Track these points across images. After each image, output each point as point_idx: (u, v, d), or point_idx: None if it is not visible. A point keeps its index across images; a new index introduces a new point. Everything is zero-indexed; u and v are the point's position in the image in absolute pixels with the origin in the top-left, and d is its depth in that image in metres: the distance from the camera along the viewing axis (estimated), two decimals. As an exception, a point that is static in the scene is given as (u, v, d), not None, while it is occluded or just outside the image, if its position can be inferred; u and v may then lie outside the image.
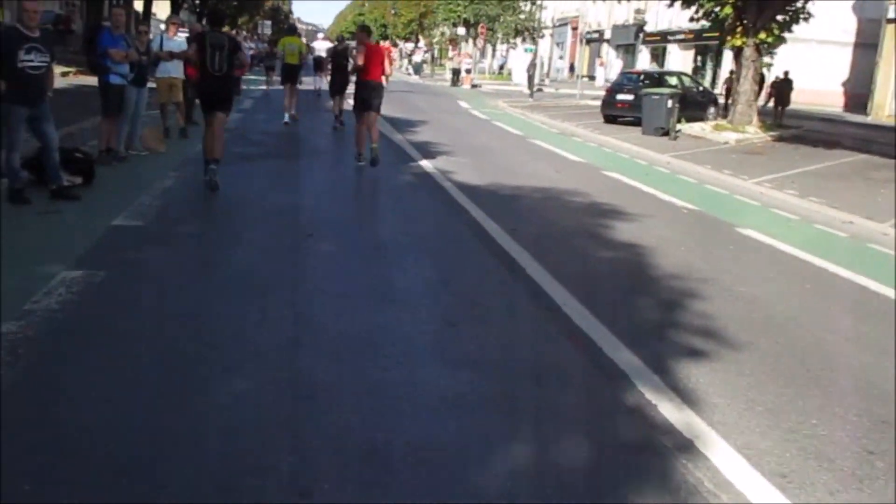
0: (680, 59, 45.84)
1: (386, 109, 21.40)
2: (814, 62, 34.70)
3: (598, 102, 29.87)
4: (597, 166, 13.42)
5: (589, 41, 58.89)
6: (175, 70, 12.22)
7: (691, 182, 12.69)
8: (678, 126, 19.40)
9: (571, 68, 58.56)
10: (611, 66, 53.95)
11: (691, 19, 23.51)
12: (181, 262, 5.81)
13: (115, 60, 9.37)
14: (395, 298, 5.30)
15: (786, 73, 25.68)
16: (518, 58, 48.26)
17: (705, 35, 43.56)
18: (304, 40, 25.82)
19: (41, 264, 5.46)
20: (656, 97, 19.87)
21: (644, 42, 51.05)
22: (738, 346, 5.02)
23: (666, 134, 19.41)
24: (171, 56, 12.02)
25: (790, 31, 22.06)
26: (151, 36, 12.38)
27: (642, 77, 23.72)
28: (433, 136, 15.75)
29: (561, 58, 61.34)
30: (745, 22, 21.30)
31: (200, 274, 5.55)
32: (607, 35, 55.62)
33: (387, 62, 11.03)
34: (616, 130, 20.25)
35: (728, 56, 40.24)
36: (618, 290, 6.05)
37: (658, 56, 50.17)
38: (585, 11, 58.15)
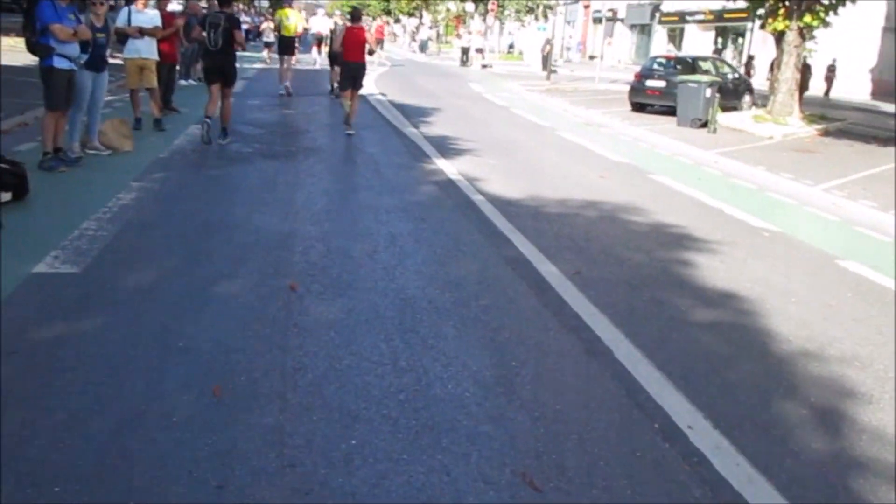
0: (698, 41, 43.73)
1: (394, 94, 19.68)
2: (840, 47, 32.72)
3: (617, 86, 28.13)
4: (641, 168, 11.54)
5: (601, 20, 56.68)
6: (146, 49, 10.31)
7: (752, 189, 10.83)
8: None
9: (580, 49, 56.40)
10: (621, 46, 51.80)
11: (729, -1, 21.54)
12: (112, 350, 3.90)
13: (60, 39, 7.43)
14: (434, 422, 3.43)
15: (804, 59, 24.14)
16: (530, 37, 46.15)
17: (727, 16, 41.65)
18: (303, 14, 25.78)
19: None
20: (693, 86, 17.92)
21: (660, 22, 48.91)
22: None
23: (704, 126, 17.53)
24: (142, 32, 10.11)
25: (836, 13, 20.10)
26: (113, 6, 10.48)
27: (674, 63, 21.72)
28: (450, 128, 13.82)
29: (570, 37, 59.04)
30: (787, 4, 19.37)
31: (138, 374, 3.66)
32: (621, 14, 53.34)
33: (371, 41, 12.16)
34: (647, 121, 18.38)
35: (750, 39, 38.31)
36: (746, 389, 4.17)
37: (675, 37, 48.06)
38: (598, -11, 55.87)
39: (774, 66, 21.09)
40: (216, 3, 17.45)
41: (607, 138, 15.01)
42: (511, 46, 57.50)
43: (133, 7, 10.37)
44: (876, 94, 33.78)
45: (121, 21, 10.23)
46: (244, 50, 10.48)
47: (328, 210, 7.09)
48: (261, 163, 9.14)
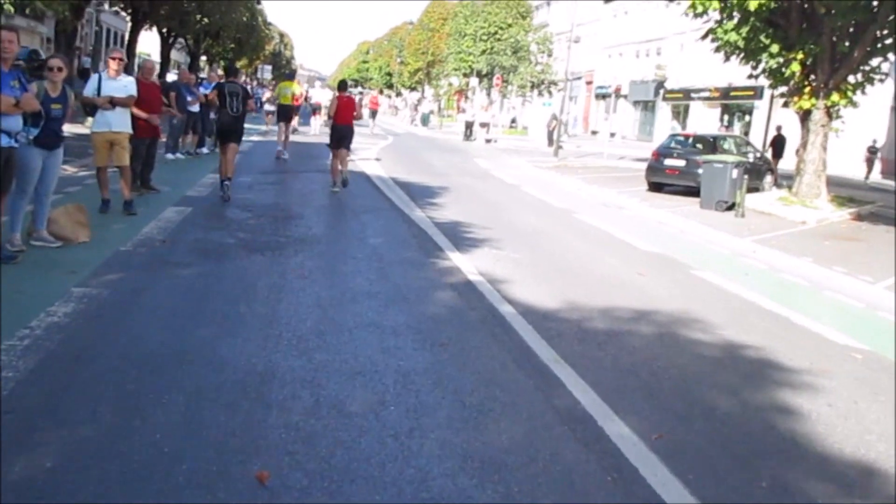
0: (704, 118, 42.96)
1: (398, 171, 18.33)
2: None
3: (625, 163, 27.17)
4: (678, 261, 10.09)
5: (603, 96, 56.24)
6: (118, 122, 8.91)
7: (807, 287, 9.38)
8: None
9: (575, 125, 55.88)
10: (624, 122, 51.17)
11: (750, 76, 20.43)
12: None
13: (-2, 111, 5.99)
14: None
15: (778, 128, 25.19)
16: (534, 112, 45.53)
17: (733, 94, 40.95)
18: (304, 86, 27.32)
19: None
20: (719, 166, 16.64)
21: (664, 99, 48.30)
22: None
23: (730, 208, 16.20)
24: (112, 103, 8.73)
25: (864, 93, 19.00)
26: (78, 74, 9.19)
27: (693, 141, 20.52)
28: (461, 211, 12.38)
29: (567, 113, 58.58)
30: (813, 82, 18.29)
31: None
32: (624, 90, 52.90)
33: (357, 107, 14.05)
34: (668, 202, 17.11)
35: (759, 116, 37.47)
36: None
37: (679, 113, 47.41)
38: (600, 66, 55.56)
39: (800, 147, 19.87)
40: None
41: (630, 222, 13.62)
42: (513, 121, 56.95)
43: (104, 73, 9.00)
44: (885, 173, 32.74)
45: (89, 90, 8.87)
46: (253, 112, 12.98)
47: (320, 331, 5.50)
48: (242, 258, 7.58)
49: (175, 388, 4.22)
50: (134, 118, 9.90)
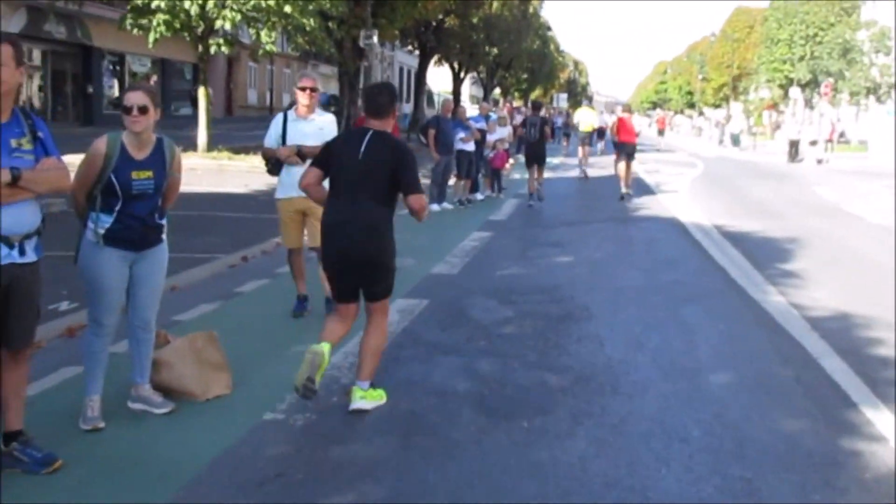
0: None
1: (719, 212, 13.76)
2: None
3: None
4: None
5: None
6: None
7: None
8: None
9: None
10: None
11: None
12: None
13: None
14: None
15: None
16: (873, 124, 37.88)
17: None
18: (597, 111, 30.59)
19: None
20: None
21: None
22: None
23: None
24: (301, 156, 5.75)
25: None
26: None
27: None
28: (841, 289, 7.85)
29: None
30: None
31: None
32: None
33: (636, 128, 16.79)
34: None
35: None
36: None
37: None
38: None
39: None
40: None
41: None
42: (842, 135, 48.48)
43: (291, 113, 6.07)
44: None
45: (271, 138, 6.00)
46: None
47: None
48: (468, 443, 3.98)
49: None
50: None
